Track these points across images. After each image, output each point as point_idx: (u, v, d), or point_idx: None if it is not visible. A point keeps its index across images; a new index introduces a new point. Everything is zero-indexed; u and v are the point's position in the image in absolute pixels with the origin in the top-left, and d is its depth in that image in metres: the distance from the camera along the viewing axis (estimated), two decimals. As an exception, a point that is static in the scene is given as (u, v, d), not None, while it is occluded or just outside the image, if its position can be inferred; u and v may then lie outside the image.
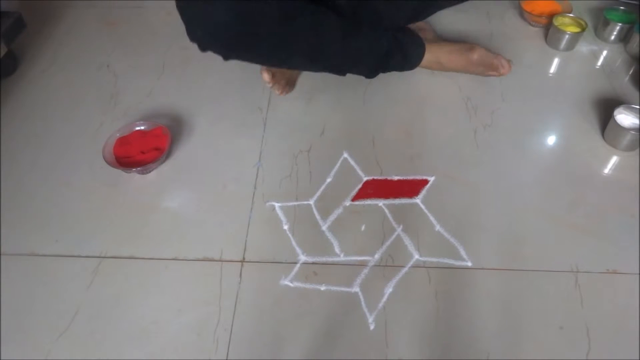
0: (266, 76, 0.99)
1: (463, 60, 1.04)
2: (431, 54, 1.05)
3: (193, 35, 0.83)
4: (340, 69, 0.99)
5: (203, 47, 0.84)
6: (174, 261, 0.77)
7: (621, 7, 1.20)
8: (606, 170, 0.90)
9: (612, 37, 1.18)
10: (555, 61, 1.14)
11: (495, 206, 0.84)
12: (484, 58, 1.03)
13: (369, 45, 0.96)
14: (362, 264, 0.76)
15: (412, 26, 1.10)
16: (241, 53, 0.87)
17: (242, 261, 0.77)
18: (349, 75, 1.00)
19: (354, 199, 0.85)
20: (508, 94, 1.04)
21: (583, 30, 1.13)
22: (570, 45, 1.15)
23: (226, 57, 0.86)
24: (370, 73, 1.03)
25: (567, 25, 1.15)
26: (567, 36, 1.12)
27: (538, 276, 0.75)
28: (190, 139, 0.96)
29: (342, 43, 0.92)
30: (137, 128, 0.94)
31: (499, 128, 0.97)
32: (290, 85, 1.05)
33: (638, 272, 0.75)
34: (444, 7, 1.04)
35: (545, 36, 1.17)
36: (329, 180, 0.88)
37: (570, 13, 1.22)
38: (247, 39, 0.84)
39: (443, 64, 1.05)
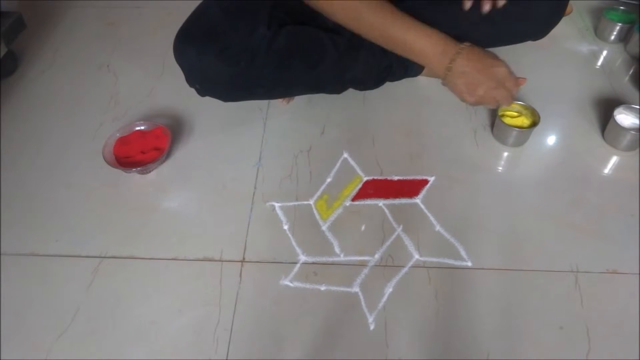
0: (278, 100, 1.02)
1: None
2: None
3: (191, 84, 0.90)
4: (339, 92, 1.01)
5: (201, 95, 0.90)
6: (174, 261, 0.77)
7: (621, 7, 1.21)
8: (606, 170, 0.90)
9: (612, 37, 1.18)
10: (552, 66, 1.14)
11: (495, 206, 0.84)
12: None
13: (368, 69, 0.97)
14: (362, 264, 0.76)
15: None
16: (239, 100, 0.95)
17: (242, 261, 0.77)
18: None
19: (354, 199, 0.85)
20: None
21: (534, 124, 0.91)
22: (520, 141, 0.93)
23: (225, 101, 0.93)
24: (369, 88, 1.03)
25: (515, 116, 0.94)
26: (514, 132, 0.91)
27: (538, 276, 0.75)
28: (190, 139, 0.96)
29: (339, 76, 0.95)
30: (137, 128, 0.94)
31: (499, 128, 0.97)
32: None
33: (638, 272, 0.75)
34: None
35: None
36: (329, 180, 0.88)
37: (570, 13, 1.22)
38: (243, 92, 0.92)
39: None
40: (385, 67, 1.00)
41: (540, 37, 0.96)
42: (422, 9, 0.90)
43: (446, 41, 0.80)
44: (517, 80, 0.82)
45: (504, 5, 0.85)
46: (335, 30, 0.92)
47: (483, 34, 0.93)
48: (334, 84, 0.98)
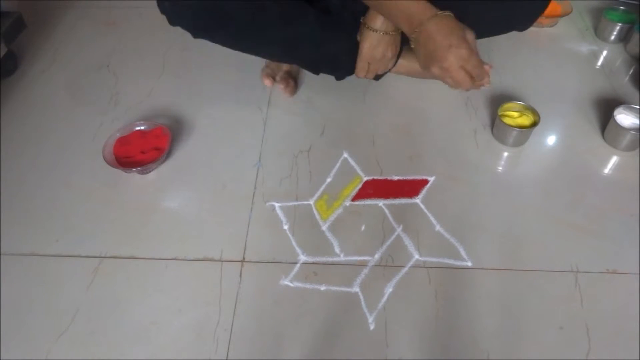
0: (267, 82, 1.00)
1: None
2: (407, 61, 1.00)
3: (162, 9, 0.84)
4: (315, 68, 0.99)
5: (171, 23, 0.85)
6: (174, 261, 0.77)
7: (621, 7, 1.21)
8: (606, 170, 0.90)
9: (612, 37, 1.18)
10: (555, 64, 1.14)
11: (495, 206, 0.84)
12: None
13: (347, 50, 0.94)
14: (362, 264, 0.76)
15: None
16: (209, 34, 0.88)
17: (242, 261, 0.77)
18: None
19: (354, 199, 0.85)
20: (509, 94, 1.04)
21: (534, 124, 0.91)
22: (520, 141, 0.93)
23: (195, 36, 0.87)
24: (342, 76, 1.01)
25: (515, 117, 0.94)
26: (514, 132, 0.91)
27: (538, 276, 0.75)
28: (190, 139, 0.96)
29: (316, 46, 0.92)
30: (137, 128, 0.94)
31: (499, 128, 0.97)
32: (296, 84, 1.05)
33: (638, 272, 0.75)
34: None
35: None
36: (329, 180, 0.88)
37: (570, 13, 1.22)
38: (212, 24, 0.85)
39: (423, 75, 1.00)
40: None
41: (525, 27, 0.96)
42: None
43: (423, 4, 0.76)
44: (481, 65, 0.76)
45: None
46: (326, 10, 0.90)
47: (467, 23, 0.91)
48: (309, 53, 0.94)
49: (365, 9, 0.91)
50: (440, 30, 0.75)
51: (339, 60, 0.97)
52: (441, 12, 0.76)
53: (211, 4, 0.82)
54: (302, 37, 0.89)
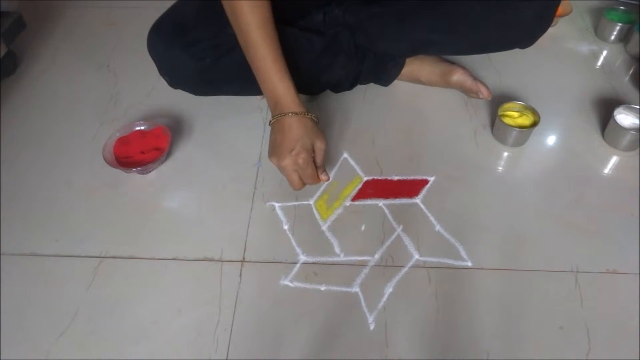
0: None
1: (442, 82, 1.02)
2: (411, 72, 1.04)
3: (163, 75, 0.91)
4: (315, 93, 1.02)
5: (172, 87, 0.93)
6: (174, 261, 0.77)
7: (621, 7, 1.21)
8: (606, 170, 0.90)
9: (612, 37, 1.18)
10: (554, 63, 1.14)
11: (495, 206, 0.84)
12: (462, 82, 1.00)
13: (346, 73, 0.98)
14: (362, 264, 0.76)
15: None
16: (209, 95, 0.97)
17: (242, 261, 0.77)
18: (348, 75, 1.00)
19: (354, 199, 0.85)
20: (509, 94, 1.04)
21: (534, 124, 0.91)
22: (520, 141, 0.93)
23: (196, 95, 0.95)
24: (345, 89, 1.03)
25: (515, 117, 0.94)
26: (514, 132, 0.91)
27: (538, 276, 0.75)
28: (190, 139, 0.96)
29: (315, 78, 0.95)
30: (137, 128, 0.94)
31: (499, 128, 0.97)
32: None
33: (638, 272, 0.75)
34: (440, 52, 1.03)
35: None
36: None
37: (570, 13, 1.22)
38: (211, 87, 0.93)
39: (423, 82, 1.05)
40: (354, 76, 1.00)
41: (526, 45, 0.94)
42: (409, 9, 0.89)
43: (293, 98, 0.76)
44: (314, 176, 0.78)
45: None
46: (317, 30, 0.92)
47: (466, 39, 0.91)
48: (308, 85, 0.97)
49: (351, 24, 0.92)
50: (293, 130, 0.75)
51: (337, 83, 1.00)
52: (306, 113, 0.77)
53: (206, 75, 0.86)
54: (300, 75, 0.89)
